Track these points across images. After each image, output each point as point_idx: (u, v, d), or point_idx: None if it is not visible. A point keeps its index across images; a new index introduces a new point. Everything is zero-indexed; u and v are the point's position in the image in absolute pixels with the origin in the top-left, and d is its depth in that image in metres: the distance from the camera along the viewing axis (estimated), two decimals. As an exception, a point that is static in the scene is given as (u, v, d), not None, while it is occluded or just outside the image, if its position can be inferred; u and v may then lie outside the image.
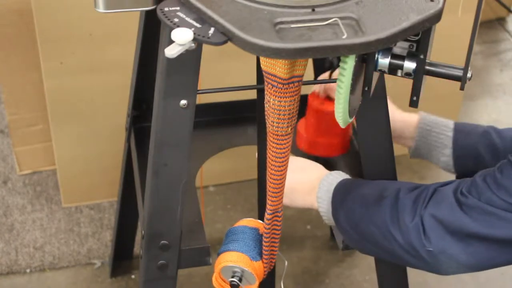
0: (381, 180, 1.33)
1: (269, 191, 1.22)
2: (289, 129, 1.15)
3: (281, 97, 1.10)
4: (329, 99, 1.55)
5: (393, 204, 1.22)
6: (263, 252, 1.29)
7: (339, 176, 1.35)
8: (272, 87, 1.10)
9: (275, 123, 1.13)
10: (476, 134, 1.41)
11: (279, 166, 1.19)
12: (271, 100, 1.11)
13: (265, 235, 1.27)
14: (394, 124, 1.42)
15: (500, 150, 1.38)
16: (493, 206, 1.15)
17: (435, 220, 1.18)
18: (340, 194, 1.31)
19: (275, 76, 1.08)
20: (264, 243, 1.28)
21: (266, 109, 1.14)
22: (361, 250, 1.33)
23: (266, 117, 1.15)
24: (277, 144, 1.16)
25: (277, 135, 1.15)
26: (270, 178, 1.21)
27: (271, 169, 1.20)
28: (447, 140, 1.43)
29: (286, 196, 1.33)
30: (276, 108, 1.11)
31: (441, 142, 1.44)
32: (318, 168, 1.39)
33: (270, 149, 1.18)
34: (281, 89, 1.09)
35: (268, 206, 1.24)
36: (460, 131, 1.43)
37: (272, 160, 1.19)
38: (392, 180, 1.35)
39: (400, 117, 1.47)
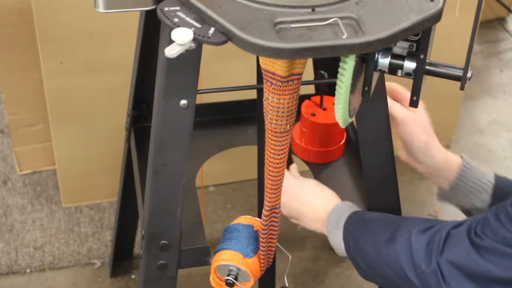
0: (390, 214, 1.32)
1: (267, 187, 1.22)
2: (288, 127, 1.14)
3: (280, 95, 1.10)
4: (323, 109, 1.55)
5: (406, 248, 1.20)
6: (260, 249, 1.29)
7: (346, 208, 1.34)
8: (271, 85, 1.10)
9: (273, 121, 1.13)
10: None
11: (277, 164, 1.19)
12: (270, 97, 1.11)
13: (262, 231, 1.27)
14: (434, 162, 1.41)
15: None
16: (510, 247, 1.10)
17: (453, 266, 1.15)
18: (351, 233, 1.30)
19: (274, 74, 1.08)
20: (261, 240, 1.28)
21: (264, 106, 1.14)
22: (377, 284, 1.33)
23: (264, 115, 1.15)
24: (275, 141, 1.16)
25: (276, 132, 1.15)
26: (268, 175, 1.21)
27: (269, 165, 1.20)
28: (487, 190, 1.38)
29: (296, 219, 1.38)
30: (275, 106, 1.11)
31: (479, 190, 1.39)
32: (325, 197, 1.39)
33: (268, 146, 1.17)
34: (280, 86, 1.09)
35: (265, 203, 1.24)
36: (501, 188, 1.38)
37: (270, 157, 1.18)
38: (392, 179, 1.35)
39: (443, 155, 1.42)
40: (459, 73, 1.12)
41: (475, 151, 2.48)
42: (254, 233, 1.30)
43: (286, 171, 1.31)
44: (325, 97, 1.56)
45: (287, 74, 1.08)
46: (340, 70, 1.05)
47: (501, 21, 3.07)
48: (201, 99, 1.44)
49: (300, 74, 1.10)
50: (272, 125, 1.14)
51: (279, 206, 1.26)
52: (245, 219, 1.32)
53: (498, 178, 1.39)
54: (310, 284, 2.04)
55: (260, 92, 1.42)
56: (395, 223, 1.26)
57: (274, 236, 1.29)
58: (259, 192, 1.54)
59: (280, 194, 1.24)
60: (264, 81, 1.10)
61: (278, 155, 1.18)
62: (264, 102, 1.13)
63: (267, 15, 1.02)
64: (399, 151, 1.45)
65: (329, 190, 1.40)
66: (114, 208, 2.14)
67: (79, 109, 2.01)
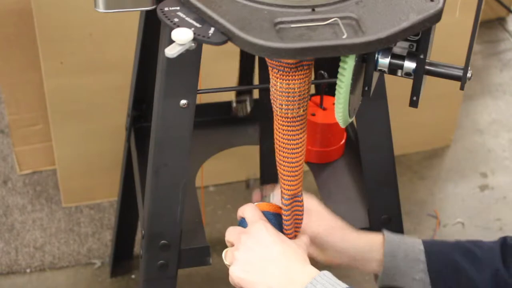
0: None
1: (284, 175, 1.14)
2: (301, 111, 1.08)
3: (289, 80, 1.05)
4: (323, 109, 1.55)
5: None
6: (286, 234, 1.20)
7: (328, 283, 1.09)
8: (278, 72, 1.06)
9: (283, 106, 1.08)
10: (449, 245, 1.26)
11: (294, 149, 1.11)
12: (278, 83, 1.06)
13: (285, 222, 1.18)
14: (356, 245, 1.26)
15: (480, 257, 1.24)
16: None
17: None
18: None
19: (279, 61, 1.05)
20: (285, 232, 1.19)
21: (271, 93, 1.09)
22: None
23: (272, 101, 1.09)
24: (287, 127, 1.10)
25: (288, 118, 1.09)
26: (283, 162, 1.13)
27: (283, 152, 1.12)
28: (419, 256, 1.26)
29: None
30: (284, 91, 1.06)
31: (411, 259, 1.26)
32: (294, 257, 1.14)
33: (279, 132, 1.11)
34: (289, 73, 1.05)
35: (285, 192, 1.15)
36: (431, 245, 1.26)
37: (283, 144, 1.11)
38: (392, 179, 1.35)
39: (363, 236, 1.27)
40: (459, 73, 1.12)
41: (474, 151, 2.48)
42: (281, 221, 1.20)
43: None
44: (325, 97, 1.56)
45: (296, 61, 1.05)
46: (340, 70, 1.05)
47: (501, 21, 3.07)
48: (201, 99, 1.44)
49: (312, 60, 1.06)
50: (283, 111, 1.08)
51: (301, 194, 1.17)
52: (270, 206, 1.21)
53: (425, 244, 1.26)
54: (310, 284, 2.04)
55: (261, 92, 1.42)
56: None
57: (298, 226, 1.20)
58: (259, 192, 1.54)
59: (301, 180, 1.14)
60: (270, 68, 1.07)
61: (294, 140, 1.11)
62: (271, 89, 1.08)
63: (267, 15, 1.02)
64: (315, 254, 1.27)
65: (293, 243, 1.16)
66: (114, 208, 2.14)
67: (79, 109, 2.01)
